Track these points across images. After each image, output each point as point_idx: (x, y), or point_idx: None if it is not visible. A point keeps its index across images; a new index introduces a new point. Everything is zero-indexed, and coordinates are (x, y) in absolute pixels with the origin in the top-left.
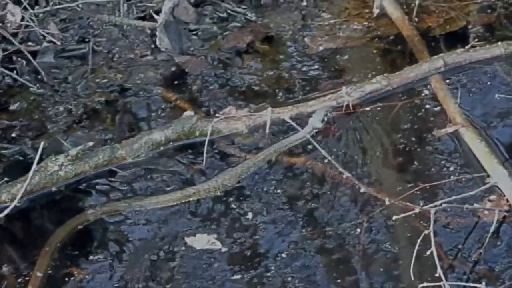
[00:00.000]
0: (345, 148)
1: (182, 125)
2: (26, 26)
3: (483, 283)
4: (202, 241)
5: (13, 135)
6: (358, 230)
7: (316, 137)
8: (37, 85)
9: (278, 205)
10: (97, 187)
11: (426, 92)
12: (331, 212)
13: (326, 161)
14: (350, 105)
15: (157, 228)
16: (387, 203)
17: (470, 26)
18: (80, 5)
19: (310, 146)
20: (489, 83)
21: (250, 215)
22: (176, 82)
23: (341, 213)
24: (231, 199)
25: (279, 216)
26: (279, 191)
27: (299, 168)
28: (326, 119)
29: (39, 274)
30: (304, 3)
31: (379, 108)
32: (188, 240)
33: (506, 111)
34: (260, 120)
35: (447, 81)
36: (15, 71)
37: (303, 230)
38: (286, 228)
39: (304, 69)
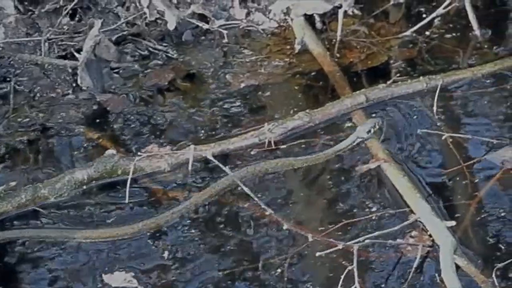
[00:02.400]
0: (269, 186)
1: (105, 164)
2: None
3: None
4: (119, 279)
5: None
6: (282, 267)
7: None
8: None
9: (197, 244)
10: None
11: (349, 127)
12: (253, 250)
13: (247, 198)
14: (273, 141)
15: (76, 264)
16: (310, 239)
17: (391, 61)
18: (1, 44)
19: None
20: (411, 118)
21: (166, 254)
22: (98, 120)
23: (264, 250)
24: (150, 239)
25: (198, 255)
26: (198, 230)
27: (223, 206)
28: (373, 130)
29: None
30: (226, 40)
31: (303, 145)
32: (106, 277)
33: (428, 146)
34: (182, 158)
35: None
36: None
37: (223, 269)
38: (205, 266)
39: (226, 106)
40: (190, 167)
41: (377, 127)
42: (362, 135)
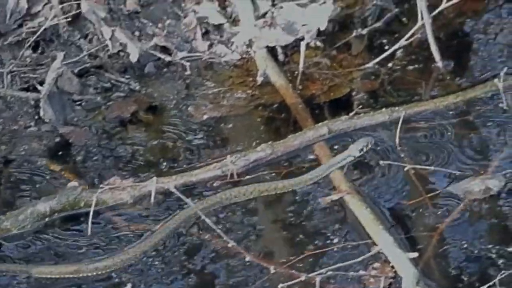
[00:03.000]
0: (231, 217)
1: (67, 196)
2: None
3: None
4: None
5: None
6: None
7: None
8: None
9: (160, 276)
10: None
11: (312, 159)
12: (216, 282)
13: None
14: (235, 173)
15: None
16: (272, 271)
17: (354, 93)
18: None
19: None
20: (373, 149)
21: (129, 286)
22: (60, 153)
23: (226, 282)
24: (114, 274)
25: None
26: (161, 261)
27: (186, 238)
28: (365, 149)
29: None
30: (188, 72)
31: (266, 176)
32: None
33: (390, 177)
34: (145, 190)
35: (334, 147)
36: None
37: None
38: None
39: (188, 138)
40: (152, 200)
41: (369, 146)
42: (354, 154)
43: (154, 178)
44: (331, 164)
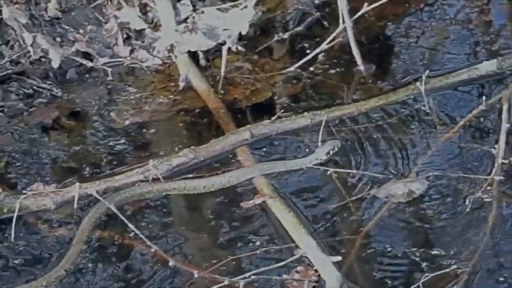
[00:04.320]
0: (154, 221)
1: None
2: None
3: None
4: None
5: None
6: None
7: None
8: None
9: (83, 281)
10: None
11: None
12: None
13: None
14: (161, 178)
15: None
16: (196, 275)
17: (276, 97)
18: None
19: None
20: (296, 153)
21: None
22: None
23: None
24: None
25: None
26: (83, 267)
27: (108, 241)
28: (332, 152)
29: None
30: (110, 78)
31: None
32: None
33: (312, 181)
34: (68, 196)
35: (257, 151)
36: None
37: None
38: None
39: (111, 143)
40: (75, 205)
41: (336, 149)
42: (321, 157)
43: (77, 183)
44: (295, 165)
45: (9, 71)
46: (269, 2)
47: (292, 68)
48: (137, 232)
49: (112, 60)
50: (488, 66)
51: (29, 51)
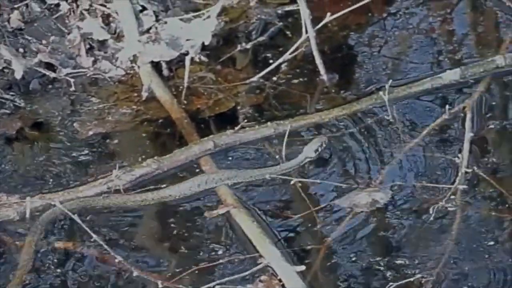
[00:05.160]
0: (117, 231)
1: None
2: None
3: None
4: None
5: None
6: None
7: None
8: None
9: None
10: None
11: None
12: None
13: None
14: (121, 189)
15: None
16: (160, 286)
17: (239, 107)
18: None
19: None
20: (260, 164)
21: None
22: None
23: None
24: None
25: None
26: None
27: (70, 252)
28: (320, 149)
29: None
30: (73, 88)
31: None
32: None
33: (276, 191)
34: (31, 206)
35: (221, 161)
36: None
37: None
38: None
39: (74, 154)
40: (40, 216)
41: (324, 145)
42: (310, 155)
43: (40, 195)
44: (287, 167)
45: None
46: (232, 12)
47: (255, 78)
48: (100, 241)
49: (75, 70)
50: (451, 75)
51: None
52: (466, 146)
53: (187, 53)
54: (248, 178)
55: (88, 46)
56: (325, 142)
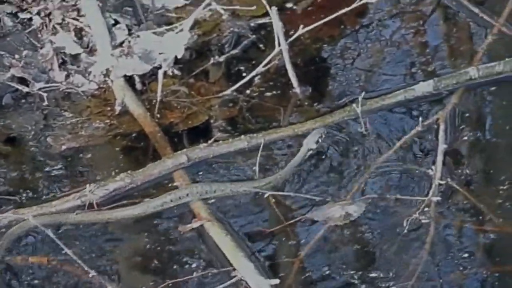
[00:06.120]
0: (90, 245)
1: None
2: None
3: None
4: None
5: None
6: None
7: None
8: None
9: None
10: None
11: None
12: None
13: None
14: (95, 203)
15: None
16: None
17: (212, 121)
18: None
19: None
20: (234, 177)
21: None
22: None
23: None
24: None
25: None
26: None
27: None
28: (320, 140)
29: None
30: (46, 103)
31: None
32: None
33: (249, 204)
34: (4, 221)
35: (196, 174)
36: None
37: None
38: None
39: (47, 169)
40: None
41: (323, 136)
42: (312, 146)
43: (12, 209)
44: (295, 163)
45: None
46: (205, 25)
47: (228, 91)
48: (75, 257)
49: (48, 85)
50: (424, 87)
51: None
52: (440, 158)
53: (160, 67)
54: (232, 192)
55: (61, 60)
56: (324, 132)
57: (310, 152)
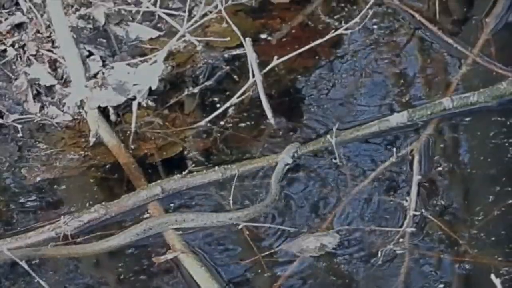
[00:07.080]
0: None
1: None
2: None
3: None
4: None
5: None
6: None
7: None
8: None
9: None
10: None
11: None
12: None
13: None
14: (69, 235)
15: None
16: None
17: (187, 152)
18: None
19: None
20: (207, 209)
21: None
22: None
23: None
24: None
25: None
26: None
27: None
28: (296, 155)
29: None
30: (20, 134)
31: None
32: None
33: (223, 236)
34: None
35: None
36: None
37: None
38: None
39: (21, 200)
40: None
41: (299, 151)
42: (288, 161)
43: None
44: (276, 180)
45: None
46: (179, 57)
47: (202, 123)
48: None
49: (22, 116)
50: (398, 118)
51: None
52: (414, 189)
53: (134, 98)
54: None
55: (35, 91)
56: (299, 147)
57: (288, 167)
